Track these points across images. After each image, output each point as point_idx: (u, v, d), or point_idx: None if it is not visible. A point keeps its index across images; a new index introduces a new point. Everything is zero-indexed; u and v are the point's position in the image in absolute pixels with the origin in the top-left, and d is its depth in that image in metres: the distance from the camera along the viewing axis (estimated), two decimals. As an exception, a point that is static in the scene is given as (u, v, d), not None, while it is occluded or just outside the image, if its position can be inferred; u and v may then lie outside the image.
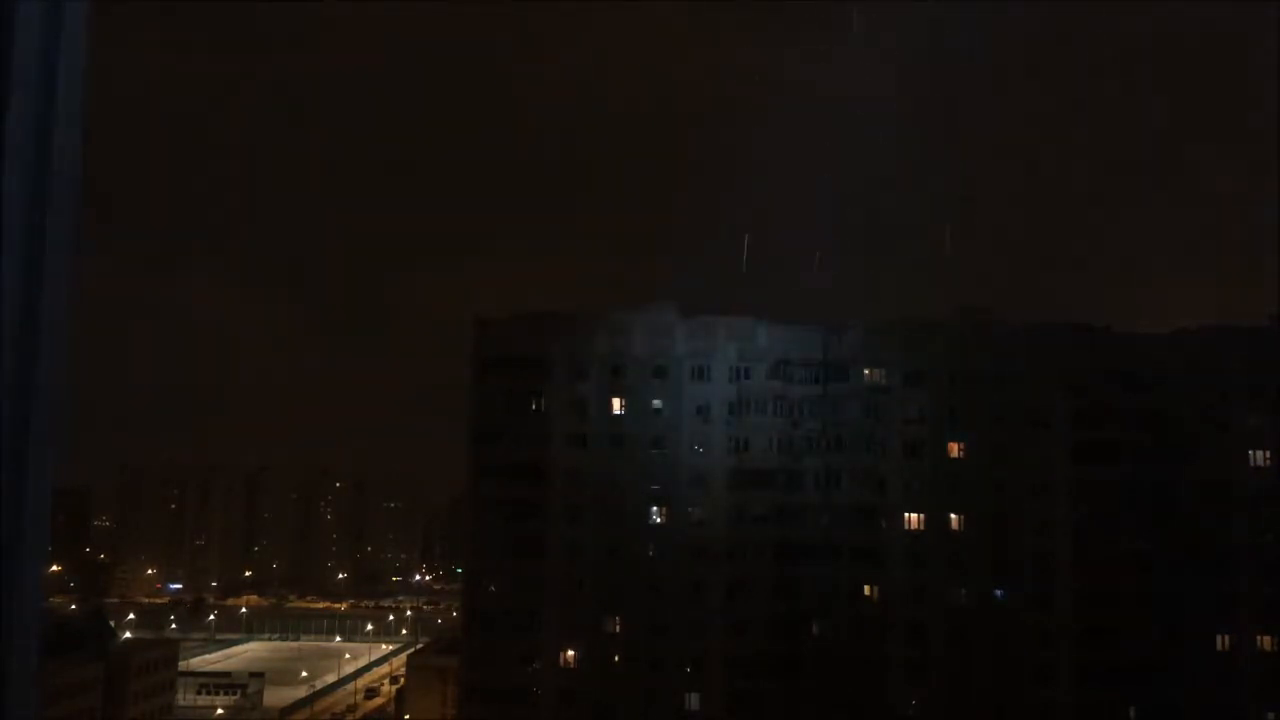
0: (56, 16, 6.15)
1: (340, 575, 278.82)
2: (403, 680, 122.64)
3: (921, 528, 74.65)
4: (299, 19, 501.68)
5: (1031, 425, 74.99)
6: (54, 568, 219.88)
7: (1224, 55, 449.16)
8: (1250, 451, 74.80)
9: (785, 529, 73.80)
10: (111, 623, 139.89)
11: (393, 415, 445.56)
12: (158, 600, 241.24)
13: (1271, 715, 72.82)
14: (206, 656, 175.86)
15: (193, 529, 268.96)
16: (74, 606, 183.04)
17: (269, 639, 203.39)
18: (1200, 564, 71.96)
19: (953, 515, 74.64)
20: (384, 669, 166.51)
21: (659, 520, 75.25)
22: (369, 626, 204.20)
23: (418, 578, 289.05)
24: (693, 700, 73.34)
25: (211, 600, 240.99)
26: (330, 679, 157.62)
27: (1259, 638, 73.00)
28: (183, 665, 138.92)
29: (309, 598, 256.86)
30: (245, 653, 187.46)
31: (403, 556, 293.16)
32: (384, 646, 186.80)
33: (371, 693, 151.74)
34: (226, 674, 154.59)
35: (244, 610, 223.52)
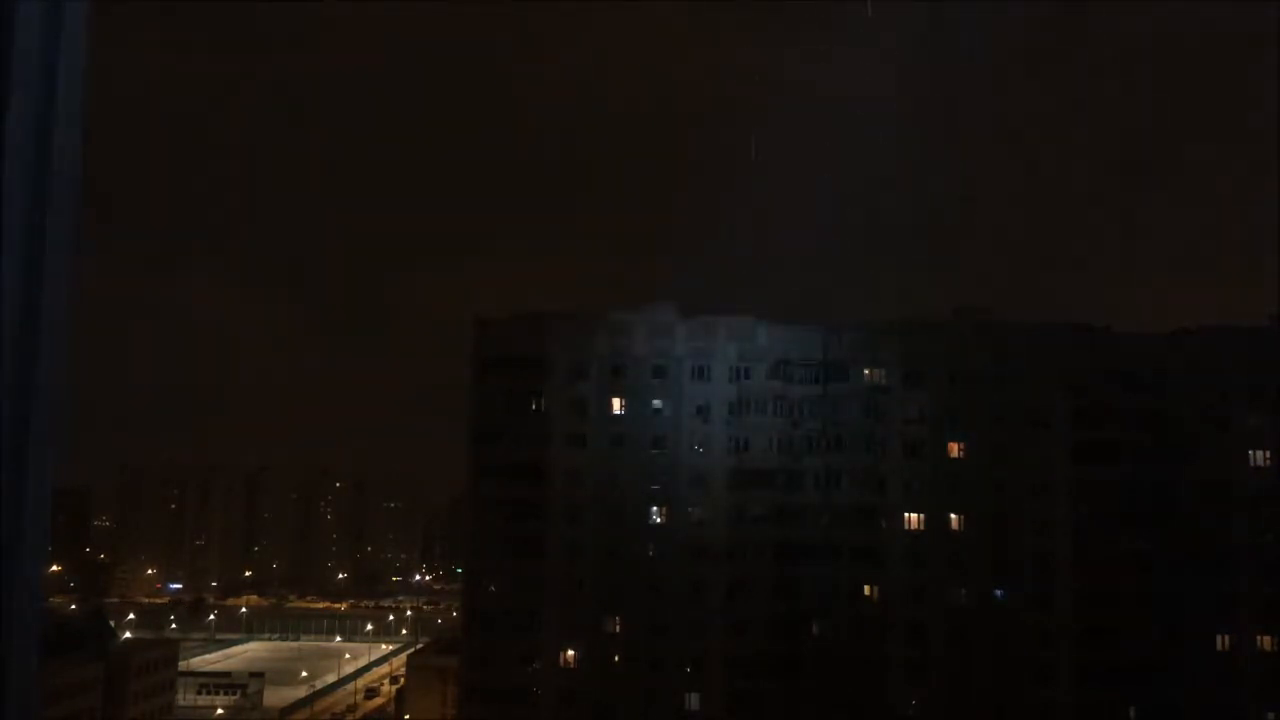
0: (56, 16, 6.15)
1: (340, 575, 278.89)
2: (403, 680, 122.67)
3: (921, 528, 74.65)
4: (299, 19, 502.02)
5: (1031, 425, 74.99)
6: (54, 568, 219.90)
7: (1224, 55, 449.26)
8: (1250, 451, 74.79)
9: (785, 529, 73.81)
10: (111, 623, 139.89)
11: (393, 415, 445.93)
12: (158, 600, 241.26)
13: (1271, 715, 72.80)
14: (206, 656, 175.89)
15: (193, 529, 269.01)
16: (74, 606, 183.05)
17: (269, 639, 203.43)
18: (1200, 564, 71.96)
19: (953, 515, 74.65)
20: (384, 669, 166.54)
21: (659, 520, 75.26)
22: (369, 626, 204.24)
23: (418, 578, 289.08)
24: (693, 700, 73.35)
25: (211, 600, 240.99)
26: (330, 679, 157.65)
27: (1259, 638, 72.98)
28: (183, 665, 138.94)
29: (309, 598, 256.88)
30: (245, 653, 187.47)
31: (403, 556, 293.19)
32: (384, 646, 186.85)
33: (371, 693, 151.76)
34: (226, 674, 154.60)
35: (244, 610, 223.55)
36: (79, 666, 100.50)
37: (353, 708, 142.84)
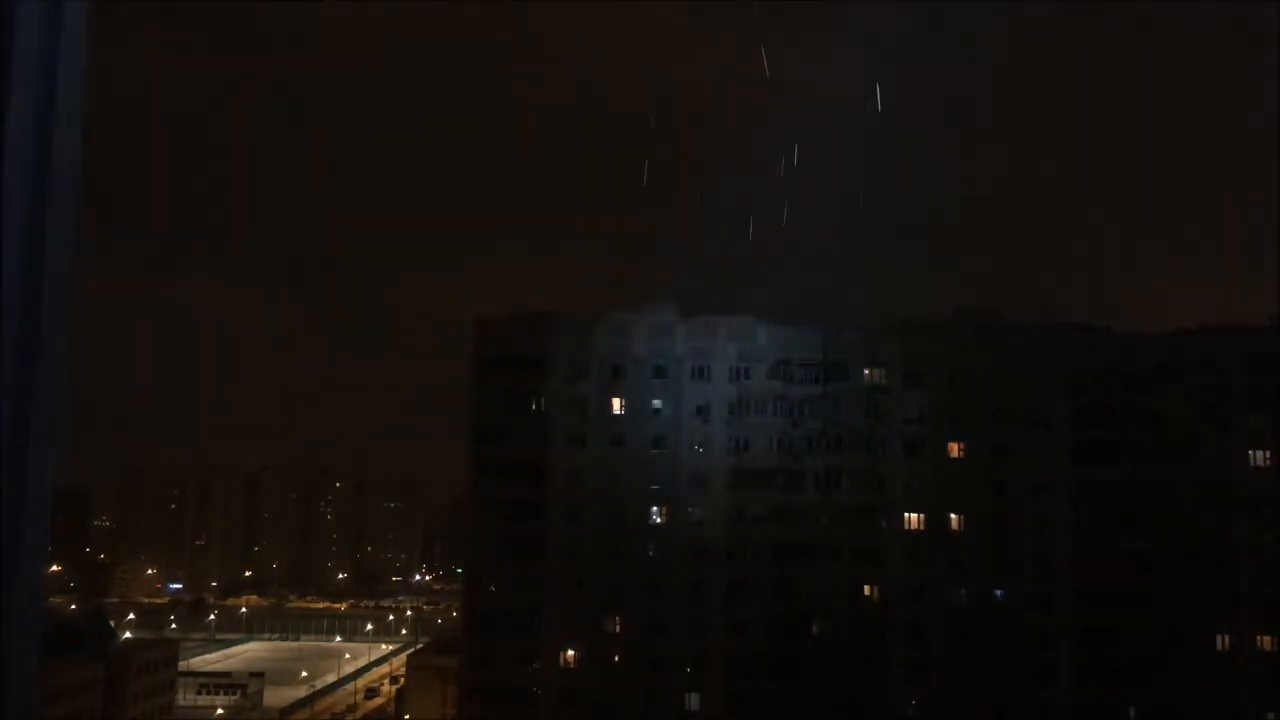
0: (56, 16, 6.15)
1: (340, 575, 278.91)
2: (403, 680, 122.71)
3: (921, 528, 74.68)
4: (299, 19, 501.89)
5: (1031, 425, 75.01)
6: (54, 568, 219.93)
7: (1224, 55, 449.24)
8: (1250, 451, 74.81)
9: (785, 529, 73.82)
10: (111, 623, 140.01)
11: (393, 415, 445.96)
12: (158, 600, 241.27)
13: (1271, 715, 72.82)
14: (206, 656, 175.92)
15: (193, 529, 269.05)
16: (74, 606, 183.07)
17: (269, 639, 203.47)
18: (1200, 564, 71.97)
19: (953, 515, 74.67)
20: (384, 669, 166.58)
21: (659, 520, 75.27)
22: (369, 626, 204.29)
23: (418, 578, 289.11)
24: (693, 700, 73.37)
25: (211, 600, 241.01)
26: (330, 679, 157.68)
27: (1259, 638, 73.00)
28: (183, 665, 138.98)
29: (309, 598, 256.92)
30: (245, 653, 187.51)
31: (403, 556, 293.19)
32: (384, 646, 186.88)
33: (371, 693, 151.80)
34: (226, 674, 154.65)
35: (244, 610, 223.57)
36: (79, 666, 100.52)
37: (353, 708, 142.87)
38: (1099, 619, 72.57)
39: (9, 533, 5.78)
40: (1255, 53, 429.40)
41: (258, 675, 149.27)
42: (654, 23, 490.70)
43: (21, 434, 5.86)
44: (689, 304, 79.21)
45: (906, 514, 74.96)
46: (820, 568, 73.10)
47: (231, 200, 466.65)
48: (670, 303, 78.60)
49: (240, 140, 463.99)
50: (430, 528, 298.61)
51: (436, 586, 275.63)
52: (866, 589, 74.63)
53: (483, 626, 75.16)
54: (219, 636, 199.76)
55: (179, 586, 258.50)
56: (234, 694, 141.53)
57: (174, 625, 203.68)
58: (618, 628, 74.34)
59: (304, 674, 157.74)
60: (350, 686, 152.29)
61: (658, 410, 76.05)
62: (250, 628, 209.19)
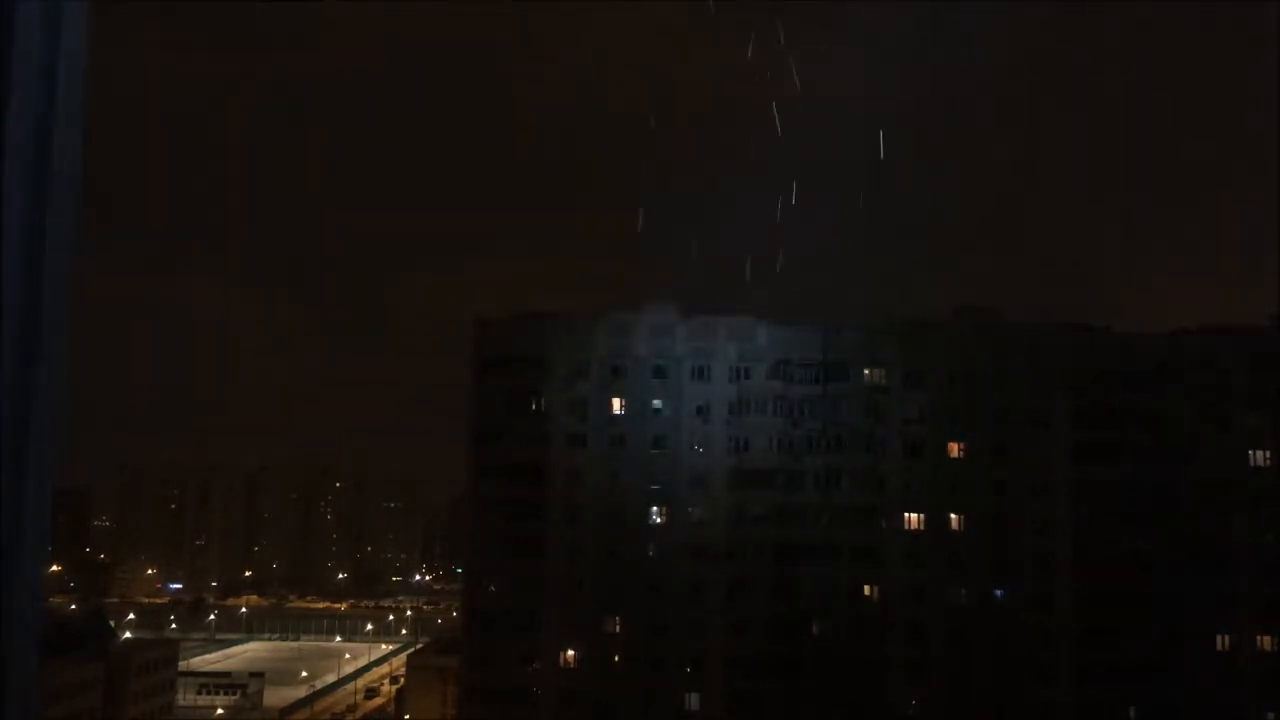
0: (56, 16, 6.15)
1: (340, 575, 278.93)
2: (403, 680, 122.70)
3: (921, 528, 74.67)
4: (299, 19, 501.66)
5: (1031, 425, 75.02)
6: (54, 568, 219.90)
7: (1224, 55, 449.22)
8: (1250, 451, 74.82)
9: (785, 529, 73.82)
10: (111, 623, 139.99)
11: (393, 415, 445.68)
12: (158, 600, 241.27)
13: (1271, 715, 72.83)
14: (206, 656, 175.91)
15: (193, 529, 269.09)
16: (74, 606, 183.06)
17: (269, 639, 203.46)
18: (1200, 564, 71.97)
19: (953, 515, 74.66)
20: (384, 669, 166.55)
21: (659, 520, 75.27)
22: (369, 626, 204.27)
23: (418, 578, 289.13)
24: (693, 700, 73.36)
25: (211, 600, 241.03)
26: (330, 679, 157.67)
27: (1259, 638, 73.00)
28: (183, 665, 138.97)
29: (309, 598, 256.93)
30: (245, 653, 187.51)
31: (403, 556, 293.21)
32: (384, 646, 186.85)
33: (371, 693, 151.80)
34: (226, 674, 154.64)
35: (244, 610, 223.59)
36: (79, 666, 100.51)
37: (353, 708, 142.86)
38: (1099, 619, 72.57)
39: (9, 533, 5.78)
40: (1255, 53, 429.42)
41: (258, 675, 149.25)
42: (654, 23, 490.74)
43: (21, 434, 5.86)
44: (689, 303, 79.35)
45: (906, 514, 74.96)
46: (820, 568, 73.11)
47: (231, 200, 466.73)
48: (670, 303, 78.66)
49: (240, 140, 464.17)
50: (430, 528, 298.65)
51: (436, 586, 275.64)
52: (866, 589, 74.63)
53: (483, 626, 75.16)
54: (219, 636, 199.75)
55: (179, 586, 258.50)
56: (234, 694, 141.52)
57: (174, 625, 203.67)
58: (618, 628, 74.34)
59: (304, 674, 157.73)
60: (350, 686, 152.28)
61: (658, 410, 76.05)
62: (250, 628, 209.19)
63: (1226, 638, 72.81)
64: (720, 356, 76.20)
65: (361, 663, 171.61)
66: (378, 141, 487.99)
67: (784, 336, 76.58)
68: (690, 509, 75.05)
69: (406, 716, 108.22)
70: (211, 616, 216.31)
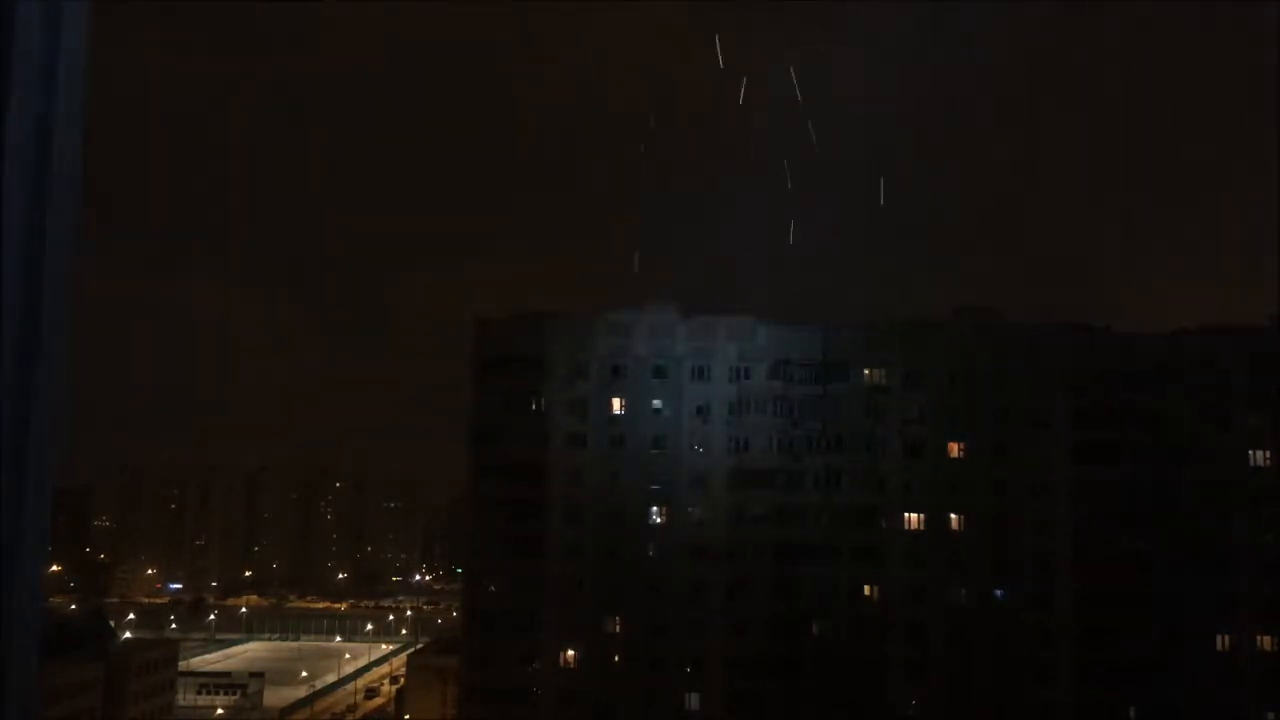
0: (56, 16, 6.16)
1: (340, 575, 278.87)
2: (403, 680, 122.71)
3: (921, 528, 74.68)
4: (299, 19, 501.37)
5: (1031, 425, 75.02)
6: (54, 568, 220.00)
7: (1224, 55, 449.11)
8: (1250, 451, 74.82)
9: (785, 529, 73.83)
10: (111, 623, 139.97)
11: (393, 415, 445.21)
12: (158, 600, 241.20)
13: (1271, 715, 72.82)
14: (206, 656, 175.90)
15: (193, 529, 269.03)
16: (74, 606, 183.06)
17: (269, 639, 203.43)
18: (1200, 564, 71.97)
19: (953, 515, 74.67)
20: (384, 669, 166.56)
21: (659, 520, 75.28)
22: (369, 626, 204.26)
23: (418, 578, 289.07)
24: (693, 700, 73.37)
25: (211, 600, 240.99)
26: (330, 679, 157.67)
27: (1259, 638, 73.00)
28: (183, 665, 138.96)
29: (309, 598, 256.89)
30: (245, 653, 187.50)
31: (403, 556, 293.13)
32: (384, 646, 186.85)
33: (371, 693, 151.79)
34: (226, 674, 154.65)
35: (244, 610, 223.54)
36: (79, 666, 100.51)
37: (353, 708, 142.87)
38: (1099, 619, 72.57)
39: (9, 533, 5.78)
40: (1255, 53, 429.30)
41: (258, 675, 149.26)
42: (654, 23, 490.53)
43: (21, 434, 5.86)
44: (688, 302, 79.35)
45: (906, 514, 74.97)
46: (820, 568, 73.11)
47: (231, 200, 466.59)
48: (670, 303, 78.67)
49: (240, 140, 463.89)
50: (430, 528, 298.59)
51: (436, 586, 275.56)
52: (866, 589, 74.64)
53: (483, 626, 75.18)
54: (219, 636, 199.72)
55: (179, 586, 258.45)
56: (234, 694, 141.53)
57: (174, 625, 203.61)
58: (618, 628, 74.35)
59: (304, 674, 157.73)
60: (350, 686, 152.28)
61: (658, 410, 76.06)
62: (250, 628, 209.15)
63: (1226, 638, 72.81)
64: (720, 356, 76.21)
65: (361, 663, 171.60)
66: (378, 141, 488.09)
67: (784, 336, 76.59)
68: (690, 509, 75.06)
69: (406, 716, 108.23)
70: (211, 616, 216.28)
